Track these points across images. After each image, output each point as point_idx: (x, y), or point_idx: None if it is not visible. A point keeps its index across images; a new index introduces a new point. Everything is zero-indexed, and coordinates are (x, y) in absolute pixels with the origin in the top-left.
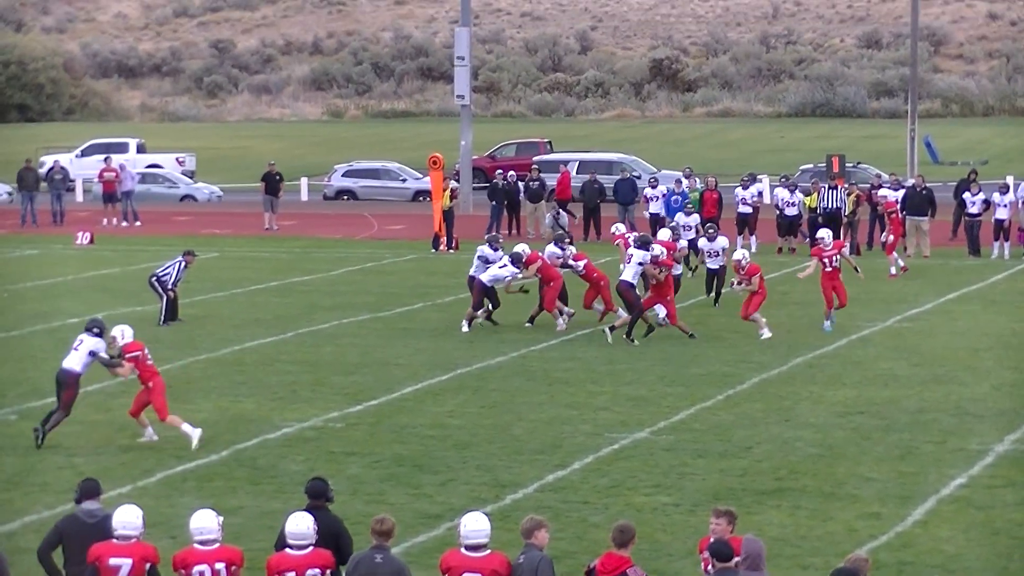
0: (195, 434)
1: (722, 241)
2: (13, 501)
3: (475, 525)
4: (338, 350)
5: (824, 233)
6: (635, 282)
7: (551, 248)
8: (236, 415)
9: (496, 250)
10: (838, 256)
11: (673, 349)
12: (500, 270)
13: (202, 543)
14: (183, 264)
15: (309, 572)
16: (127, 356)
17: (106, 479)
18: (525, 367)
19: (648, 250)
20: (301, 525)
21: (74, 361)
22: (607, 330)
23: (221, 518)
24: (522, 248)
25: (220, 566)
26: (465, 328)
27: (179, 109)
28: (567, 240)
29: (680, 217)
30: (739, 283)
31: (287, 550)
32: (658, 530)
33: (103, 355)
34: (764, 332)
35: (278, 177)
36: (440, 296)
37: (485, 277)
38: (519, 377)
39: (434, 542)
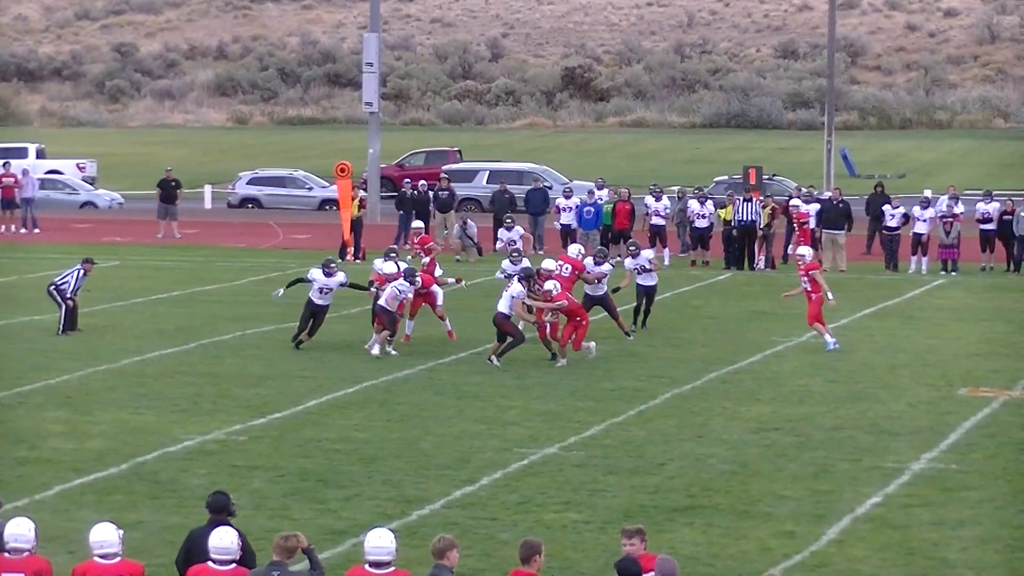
0: None
1: (647, 254)
2: None
3: (379, 542)
4: (241, 362)
5: (804, 251)
6: (509, 313)
7: (505, 263)
8: (136, 427)
9: (515, 263)
10: (806, 278)
11: (583, 364)
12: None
13: (103, 557)
14: (82, 272)
15: None
16: None
17: (1, 493)
18: (433, 380)
19: (527, 285)
20: (225, 540)
21: None
22: (492, 358)
23: (122, 532)
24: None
25: None
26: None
27: (80, 114)
28: (518, 254)
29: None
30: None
31: (210, 564)
32: (568, 548)
33: None
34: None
35: (174, 184)
36: (347, 307)
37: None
38: (427, 391)
39: (339, 558)
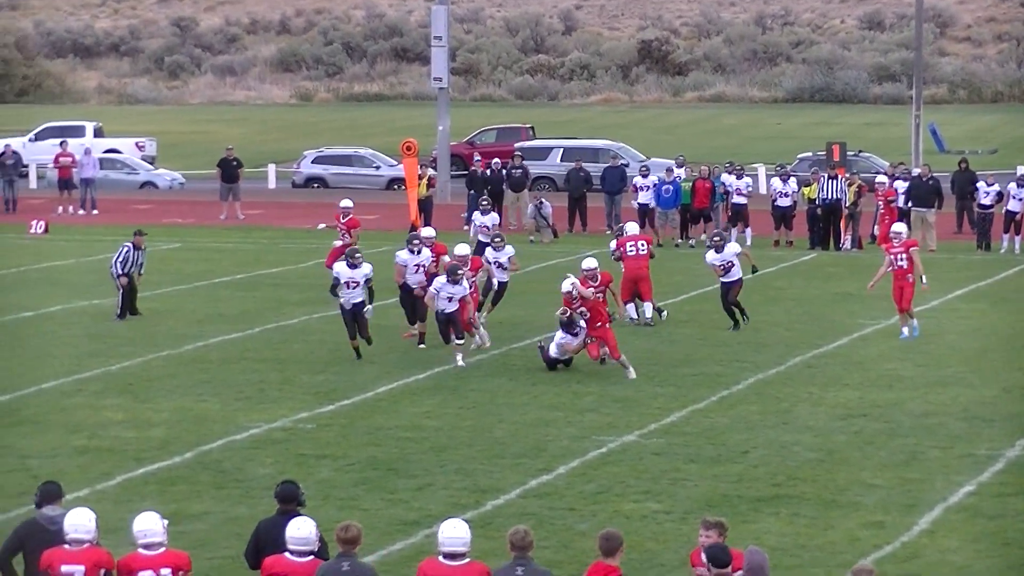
0: None
1: (732, 248)
2: None
3: (454, 532)
4: (308, 347)
5: (900, 228)
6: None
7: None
8: (199, 415)
9: (498, 249)
10: (905, 255)
11: (663, 348)
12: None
13: (146, 547)
14: (130, 248)
15: (163, 571)
16: None
17: (62, 482)
18: (507, 366)
19: (457, 282)
20: (304, 530)
21: None
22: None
23: (166, 521)
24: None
25: (166, 572)
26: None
27: (138, 91)
28: (500, 239)
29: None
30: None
31: (287, 555)
32: (648, 539)
33: None
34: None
35: (236, 163)
36: None
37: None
38: (500, 376)
39: (411, 550)
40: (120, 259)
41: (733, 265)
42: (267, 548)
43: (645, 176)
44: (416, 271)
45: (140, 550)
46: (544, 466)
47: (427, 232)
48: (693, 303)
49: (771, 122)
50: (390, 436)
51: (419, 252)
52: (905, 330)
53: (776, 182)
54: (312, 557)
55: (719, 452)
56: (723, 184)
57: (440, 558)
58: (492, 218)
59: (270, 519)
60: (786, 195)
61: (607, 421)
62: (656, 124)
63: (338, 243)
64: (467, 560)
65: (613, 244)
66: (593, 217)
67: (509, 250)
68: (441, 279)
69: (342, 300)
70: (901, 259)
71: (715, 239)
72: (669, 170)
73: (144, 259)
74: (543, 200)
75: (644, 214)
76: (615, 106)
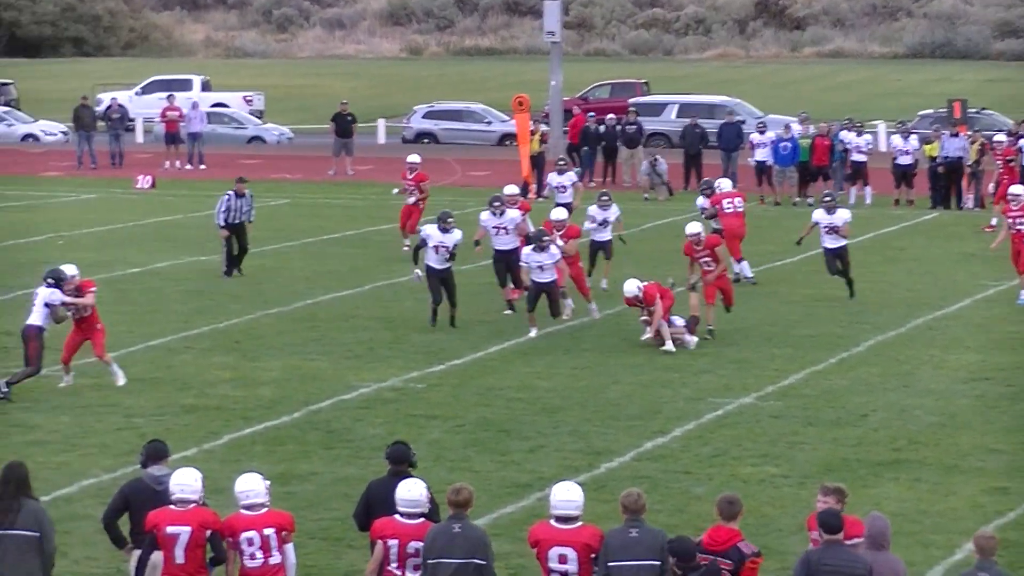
0: (120, 378)
1: (843, 214)
2: (70, 463)
3: (567, 495)
4: (419, 305)
5: (1018, 190)
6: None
7: (700, 200)
8: (308, 374)
9: (606, 208)
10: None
11: (781, 308)
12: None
13: (248, 508)
14: (231, 196)
15: (412, 544)
16: (88, 291)
17: (169, 441)
18: (620, 326)
19: (543, 249)
20: (413, 492)
21: (34, 317)
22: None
23: (268, 482)
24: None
25: (269, 532)
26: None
27: (246, 44)
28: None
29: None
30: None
31: (397, 517)
32: (765, 503)
33: (57, 304)
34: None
35: (350, 118)
36: None
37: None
38: (614, 336)
39: (522, 513)
40: (222, 209)
41: (837, 228)
42: (377, 509)
43: (762, 132)
44: (497, 233)
45: (242, 511)
46: (659, 428)
47: (509, 190)
48: (812, 263)
49: (891, 78)
50: (501, 397)
51: (502, 214)
52: (1023, 294)
53: (897, 139)
54: (422, 519)
55: (838, 415)
56: (842, 141)
57: (552, 521)
58: (569, 177)
59: (381, 480)
60: (907, 153)
61: (723, 383)
62: (773, 80)
63: (410, 200)
64: (579, 524)
65: (702, 201)
66: (709, 174)
67: (615, 210)
68: (527, 249)
69: (430, 263)
70: (1021, 222)
71: (826, 199)
72: (787, 127)
73: (251, 206)
74: (658, 157)
75: (761, 171)
76: (731, 61)
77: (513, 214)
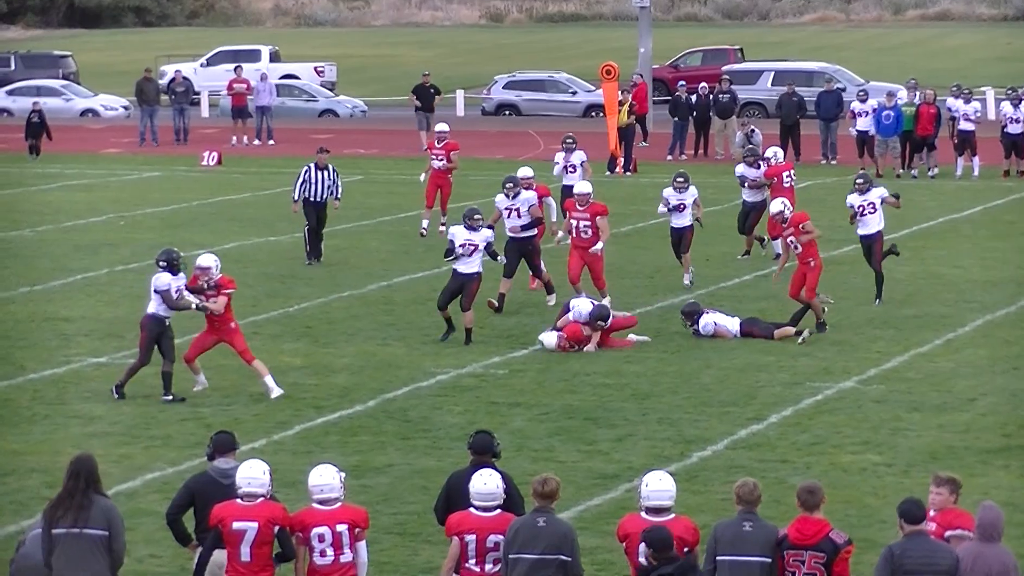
0: (275, 391)
1: (878, 192)
2: (133, 456)
3: (659, 486)
4: (497, 287)
5: None
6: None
7: (741, 168)
8: (384, 361)
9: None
10: None
11: (883, 288)
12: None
13: (322, 503)
14: (310, 169)
15: (491, 537)
16: (224, 291)
17: (237, 432)
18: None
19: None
20: (490, 483)
21: (149, 305)
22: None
23: (343, 475)
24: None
25: (342, 528)
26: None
27: (317, 12)
28: (759, 160)
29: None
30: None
31: (472, 510)
32: (868, 493)
33: (171, 292)
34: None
35: (433, 90)
36: (616, 226)
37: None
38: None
39: (610, 505)
40: (299, 182)
41: (875, 211)
42: (458, 502)
43: (863, 101)
44: (509, 215)
45: (315, 505)
46: (754, 415)
47: (523, 172)
48: (916, 239)
49: (1001, 42)
50: (588, 383)
51: (515, 196)
52: None
53: (1006, 107)
54: (499, 511)
55: (944, 400)
56: (949, 109)
57: (643, 513)
58: (579, 156)
59: (462, 471)
60: (1017, 121)
61: (822, 366)
62: (875, 45)
63: (436, 164)
64: (672, 515)
65: (743, 169)
66: (807, 146)
67: (692, 191)
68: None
69: (455, 267)
70: None
71: (859, 181)
72: (890, 94)
73: (335, 181)
74: (754, 128)
75: (863, 142)
76: (831, 25)
77: (527, 195)
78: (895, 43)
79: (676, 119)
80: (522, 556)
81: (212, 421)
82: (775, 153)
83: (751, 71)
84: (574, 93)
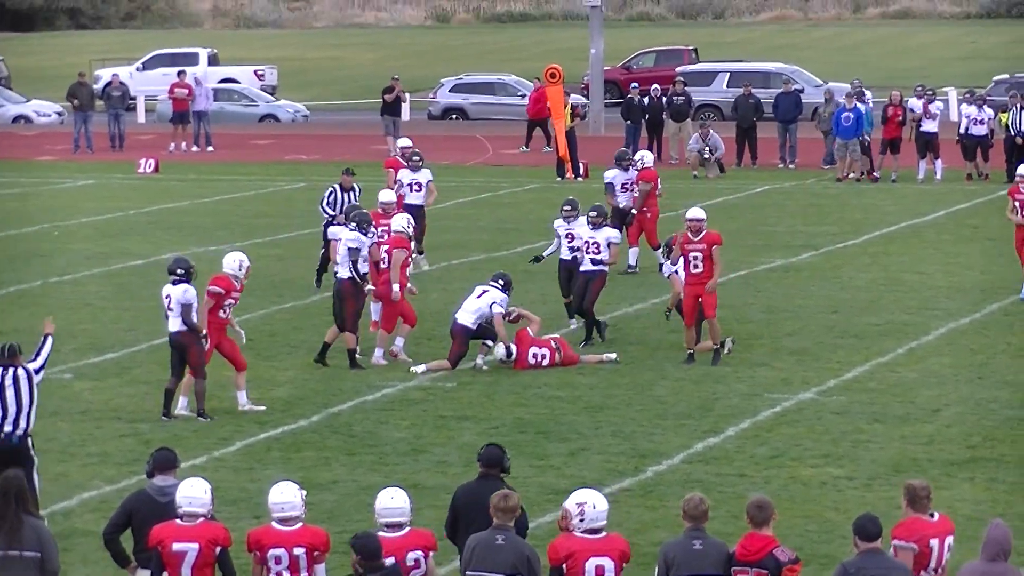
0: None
1: (609, 233)
2: (69, 474)
3: (391, 503)
4: (448, 296)
5: None
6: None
7: (612, 173)
8: (327, 374)
9: (625, 170)
10: None
11: (842, 295)
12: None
13: (281, 521)
14: (335, 190)
15: (409, 555)
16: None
17: (178, 449)
18: (669, 316)
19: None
20: (397, 499)
21: (174, 323)
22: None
23: (304, 492)
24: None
25: (299, 552)
26: None
27: (257, 13)
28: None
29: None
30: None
31: (382, 533)
32: (828, 508)
33: (193, 307)
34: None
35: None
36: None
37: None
38: (661, 329)
39: None
40: (327, 202)
41: (599, 251)
42: (466, 518)
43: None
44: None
45: (275, 524)
46: (711, 427)
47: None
48: (877, 244)
49: (964, 41)
50: (539, 396)
51: (574, 219)
52: None
53: (970, 109)
54: (408, 530)
55: (907, 411)
56: (912, 110)
57: (578, 533)
58: (425, 175)
59: (469, 485)
60: (980, 122)
61: (781, 377)
62: (835, 44)
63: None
64: (606, 533)
65: (614, 174)
66: (764, 149)
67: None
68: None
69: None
70: None
71: (592, 215)
72: (849, 95)
73: (356, 202)
74: (711, 131)
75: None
76: (788, 24)
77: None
78: (855, 42)
79: (628, 122)
80: (481, 574)
81: (151, 437)
82: (641, 157)
83: (706, 72)
84: (523, 96)
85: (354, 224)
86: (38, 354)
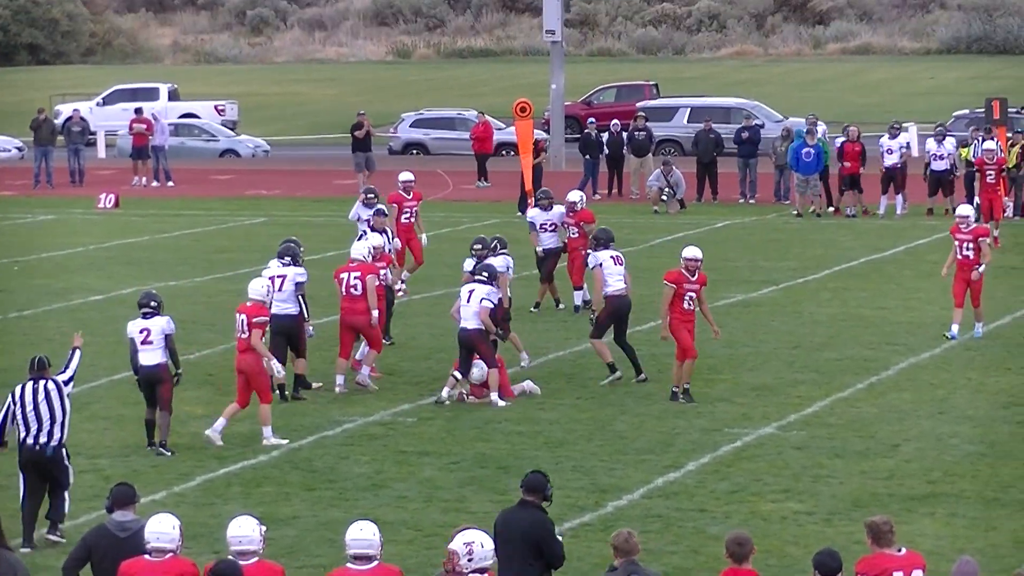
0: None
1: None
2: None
3: (360, 534)
4: (409, 330)
5: (966, 210)
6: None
7: (534, 212)
8: (288, 410)
9: (547, 209)
10: (972, 244)
11: (804, 329)
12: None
13: (239, 555)
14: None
15: None
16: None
17: (137, 484)
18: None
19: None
20: (367, 531)
21: (151, 357)
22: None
23: (264, 527)
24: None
25: None
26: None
27: (218, 49)
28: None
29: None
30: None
31: (349, 566)
32: (788, 542)
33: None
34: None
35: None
36: (528, 268)
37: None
38: (621, 363)
39: None
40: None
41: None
42: (503, 538)
43: (894, 137)
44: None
45: (231, 559)
46: (671, 462)
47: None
48: (837, 279)
49: (924, 76)
50: (500, 431)
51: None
52: (955, 329)
53: (930, 144)
54: (376, 563)
55: (867, 446)
56: (880, 146)
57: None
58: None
59: (509, 511)
60: (942, 157)
61: (741, 412)
62: (795, 79)
63: (404, 218)
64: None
65: (536, 214)
66: (724, 184)
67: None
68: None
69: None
70: (968, 247)
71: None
72: (811, 132)
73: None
74: (673, 166)
75: (890, 179)
76: (749, 60)
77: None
78: (816, 78)
79: (587, 157)
80: None
81: (111, 473)
82: (582, 199)
83: (667, 107)
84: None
85: (289, 259)
86: (67, 366)
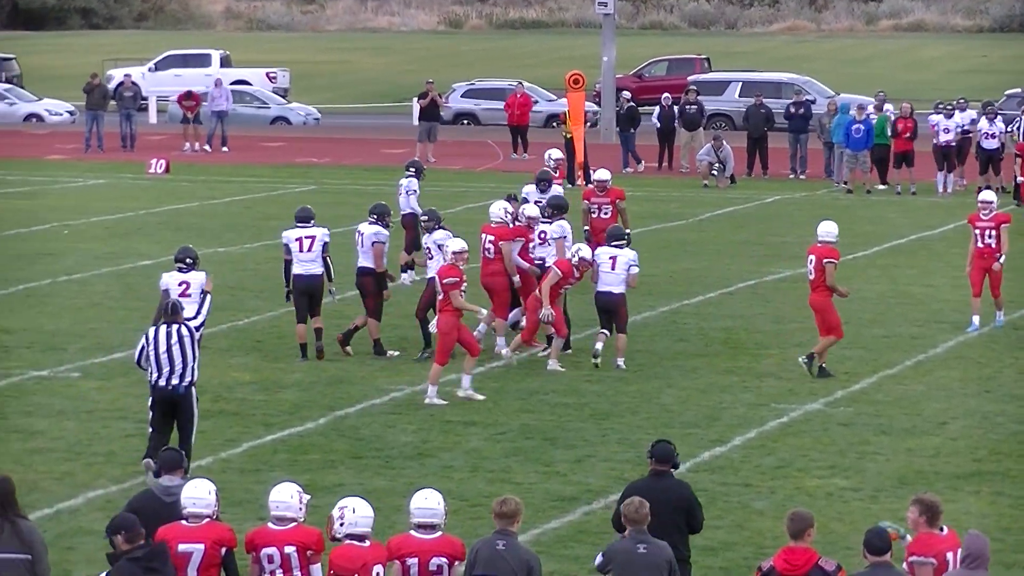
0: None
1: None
2: (75, 473)
3: (425, 503)
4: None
5: (989, 195)
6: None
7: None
8: (335, 377)
9: (544, 191)
10: (993, 231)
11: (851, 307)
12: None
13: (277, 520)
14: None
15: (433, 560)
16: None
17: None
18: (677, 325)
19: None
20: (431, 499)
21: (189, 310)
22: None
23: (308, 498)
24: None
25: (290, 550)
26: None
27: (270, 16)
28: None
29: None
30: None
31: (412, 532)
32: (833, 519)
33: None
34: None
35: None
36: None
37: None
38: (669, 336)
39: (568, 528)
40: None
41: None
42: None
43: (949, 116)
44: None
45: (270, 524)
46: (717, 437)
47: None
48: (887, 257)
49: (976, 54)
50: (546, 402)
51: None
52: (976, 320)
53: (982, 122)
54: (441, 533)
55: (914, 423)
56: (934, 126)
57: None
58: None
59: (642, 481)
60: (992, 136)
61: (788, 387)
62: (846, 56)
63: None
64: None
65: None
66: (775, 160)
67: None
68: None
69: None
70: (990, 235)
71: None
72: (860, 107)
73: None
74: (723, 141)
75: (944, 156)
76: (801, 35)
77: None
78: (867, 54)
79: (632, 131)
80: None
81: None
82: (609, 178)
83: (718, 81)
84: (535, 102)
85: (374, 217)
86: (198, 312)
